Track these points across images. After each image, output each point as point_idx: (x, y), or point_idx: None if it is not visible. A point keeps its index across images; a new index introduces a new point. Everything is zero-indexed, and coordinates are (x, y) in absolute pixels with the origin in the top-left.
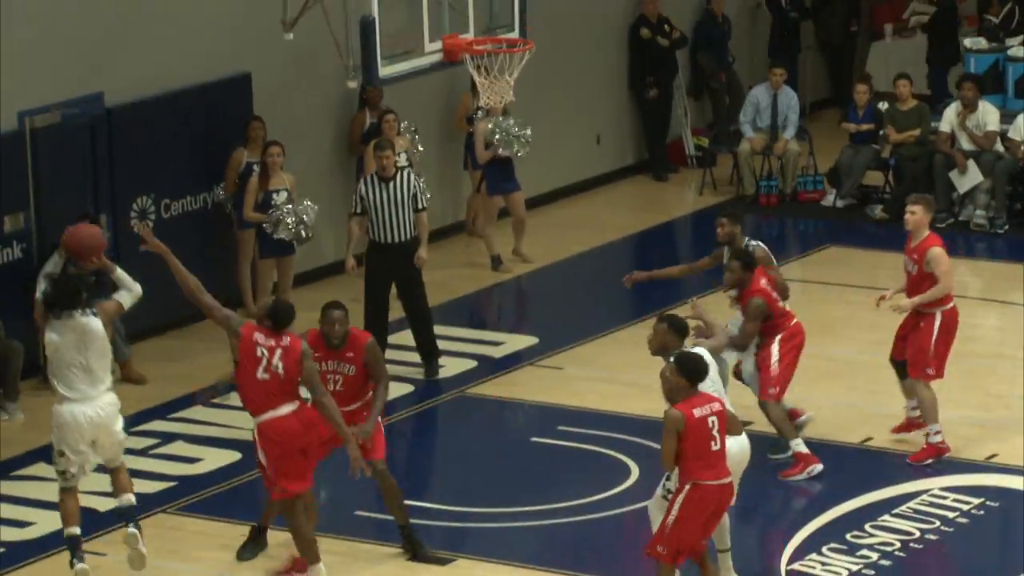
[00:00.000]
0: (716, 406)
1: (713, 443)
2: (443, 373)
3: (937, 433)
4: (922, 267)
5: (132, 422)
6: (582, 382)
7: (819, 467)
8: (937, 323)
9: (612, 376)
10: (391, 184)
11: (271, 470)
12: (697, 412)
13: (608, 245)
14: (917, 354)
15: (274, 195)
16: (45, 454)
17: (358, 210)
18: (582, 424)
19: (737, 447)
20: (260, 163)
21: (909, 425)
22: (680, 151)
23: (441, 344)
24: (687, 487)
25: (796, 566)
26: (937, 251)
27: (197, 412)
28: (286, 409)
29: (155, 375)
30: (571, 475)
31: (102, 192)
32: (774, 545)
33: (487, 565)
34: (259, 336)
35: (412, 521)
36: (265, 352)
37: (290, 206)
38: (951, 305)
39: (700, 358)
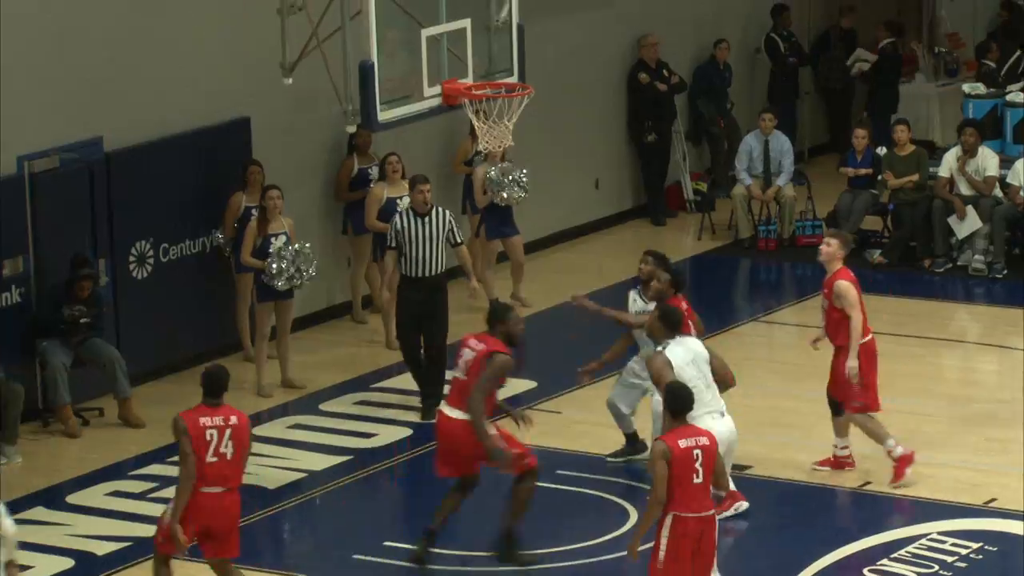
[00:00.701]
0: (703, 440)
1: (695, 476)
2: None
3: (897, 446)
4: (832, 302)
5: (131, 466)
6: (581, 426)
7: (745, 504)
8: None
9: (611, 420)
10: (427, 219)
11: (165, 521)
12: (682, 443)
13: (607, 289)
14: (840, 391)
15: (272, 239)
16: (43, 497)
17: (392, 244)
18: (580, 468)
19: (725, 430)
20: (259, 207)
21: (836, 463)
22: (679, 196)
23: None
24: (669, 520)
25: None
26: (843, 284)
27: None
28: (216, 489)
29: (153, 419)
30: (570, 519)
31: (101, 236)
32: None
33: None
34: (205, 419)
35: (414, 565)
36: (215, 435)
37: (282, 262)
38: (868, 338)
39: (687, 392)
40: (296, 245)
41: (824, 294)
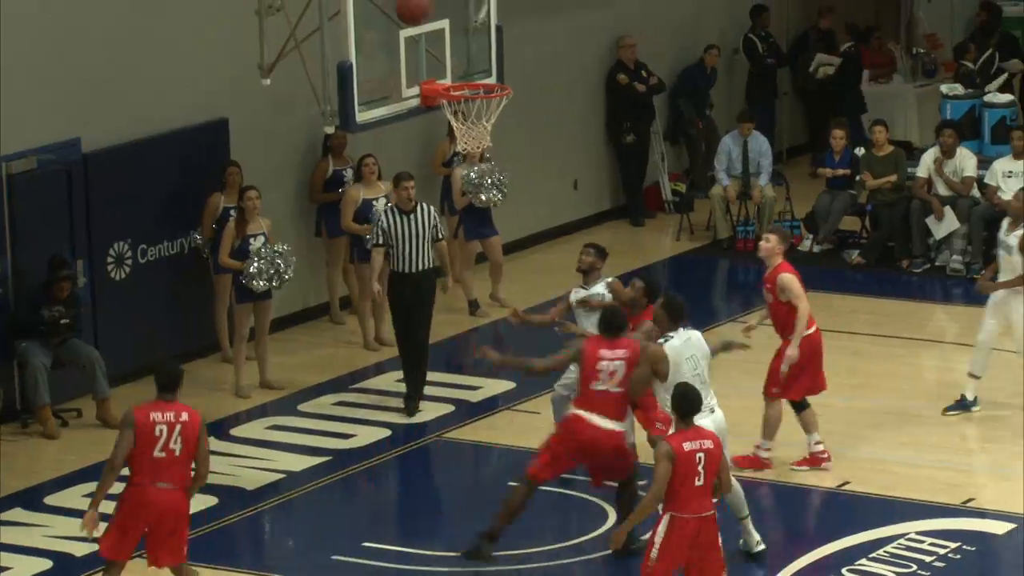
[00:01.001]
0: (707, 443)
1: (697, 479)
2: (421, 417)
3: (767, 449)
4: (776, 295)
5: None
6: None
7: None
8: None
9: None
10: (411, 216)
11: (111, 525)
12: (687, 446)
13: None
14: (768, 374)
15: (251, 240)
16: (21, 499)
17: (379, 241)
18: None
19: (713, 426)
20: (237, 208)
21: (813, 460)
22: (657, 196)
23: None
24: (666, 519)
25: None
26: (787, 277)
27: None
28: (164, 485)
29: None
30: (549, 520)
31: (79, 237)
32: None
33: None
34: (156, 415)
35: (391, 565)
36: (164, 430)
37: (261, 262)
38: (812, 330)
39: (696, 394)
40: (276, 246)
41: (767, 289)
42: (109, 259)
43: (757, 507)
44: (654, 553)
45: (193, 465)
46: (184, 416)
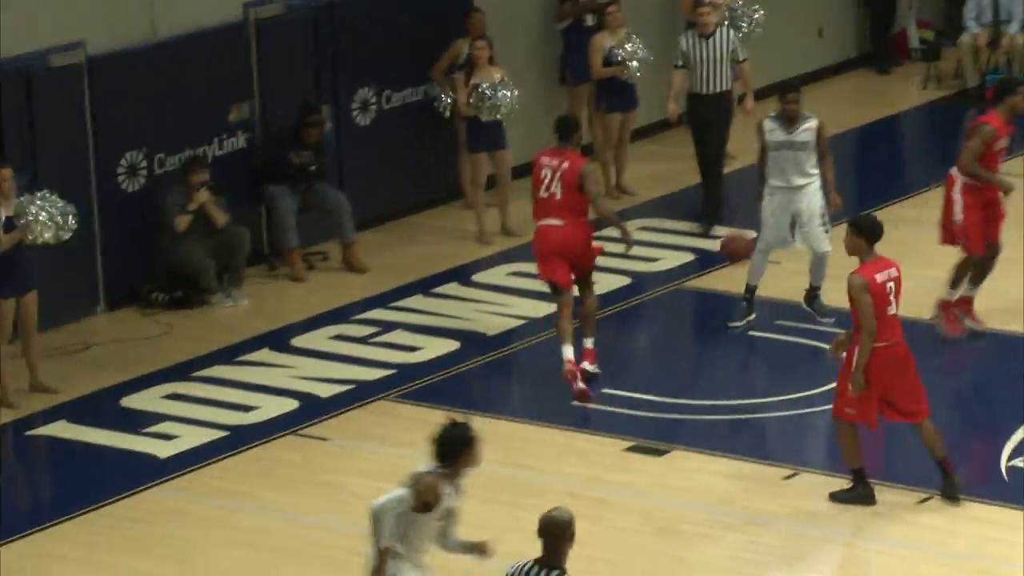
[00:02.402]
0: (893, 271)
1: (889, 307)
2: (661, 266)
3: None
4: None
5: (354, 311)
6: (800, 276)
7: None
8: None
9: (833, 272)
10: (711, 40)
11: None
12: (879, 277)
13: (830, 139)
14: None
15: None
16: (269, 340)
17: (680, 63)
18: (799, 319)
19: None
20: (467, 56)
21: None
22: (904, 44)
23: (660, 237)
24: (858, 351)
25: (1017, 462)
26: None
27: (417, 302)
28: (551, 222)
29: (376, 264)
30: (786, 369)
31: (325, 83)
32: (994, 442)
33: (700, 456)
34: (545, 159)
35: (629, 412)
36: (548, 173)
37: (480, 100)
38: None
39: (875, 218)
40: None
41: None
42: (354, 105)
43: (988, 362)
44: (851, 387)
45: None
46: (565, 164)
